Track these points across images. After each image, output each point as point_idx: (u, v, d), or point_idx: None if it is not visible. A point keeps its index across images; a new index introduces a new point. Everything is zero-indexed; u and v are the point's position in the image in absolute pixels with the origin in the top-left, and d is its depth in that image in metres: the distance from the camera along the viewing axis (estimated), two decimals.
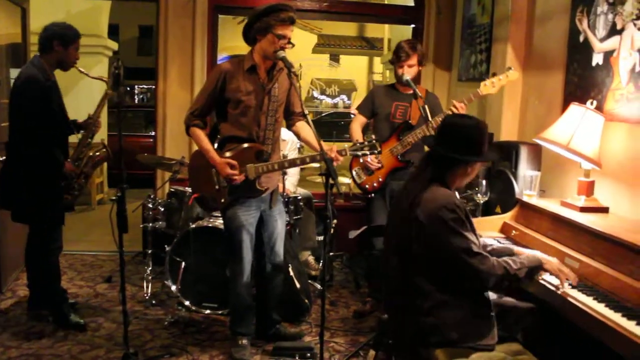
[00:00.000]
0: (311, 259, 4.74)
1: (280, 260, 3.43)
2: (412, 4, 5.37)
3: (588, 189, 2.98)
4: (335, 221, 4.51)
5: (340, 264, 5.04)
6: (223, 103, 3.17)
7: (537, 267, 2.31)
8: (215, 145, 3.24)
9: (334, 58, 21.96)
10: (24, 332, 3.51)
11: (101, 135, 7.50)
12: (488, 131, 2.38)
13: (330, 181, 2.64)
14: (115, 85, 2.83)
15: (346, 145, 3.10)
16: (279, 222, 3.36)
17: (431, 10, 5.14)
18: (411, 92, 3.84)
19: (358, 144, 2.99)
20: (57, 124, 3.48)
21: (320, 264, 4.44)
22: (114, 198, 2.82)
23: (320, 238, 4.82)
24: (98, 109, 3.64)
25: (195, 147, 4.96)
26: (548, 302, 2.42)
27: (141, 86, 17.38)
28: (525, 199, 3.22)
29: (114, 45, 7.70)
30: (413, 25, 5.29)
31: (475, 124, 2.33)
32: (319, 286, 4.30)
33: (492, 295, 2.37)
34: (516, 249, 2.65)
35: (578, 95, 3.30)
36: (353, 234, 3.20)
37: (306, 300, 3.86)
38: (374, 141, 2.98)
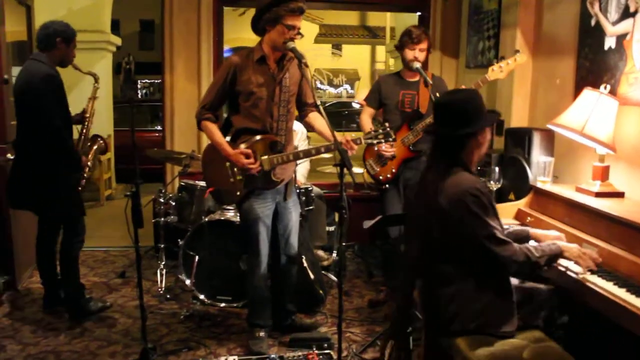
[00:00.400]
0: (320, 251, 4.75)
1: (294, 252, 3.44)
2: None
3: (603, 174, 2.97)
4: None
5: (352, 254, 5.04)
6: (234, 96, 3.16)
7: (557, 255, 2.31)
8: (228, 138, 3.24)
9: (337, 48, 21.93)
10: (42, 329, 3.53)
11: (107, 130, 7.56)
12: (501, 118, 2.39)
13: (345, 171, 2.64)
14: (126, 80, 2.83)
15: (353, 134, 3.11)
16: (294, 214, 3.36)
17: None
18: (417, 79, 3.83)
19: (372, 132, 2.99)
20: (68, 118, 3.58)
21: (334, 254, 4.44)
22: (128, 193, 2.82)
23: (332, 228, 4.84)
24: (90, 102, 3.78)
25: (204, 140, 5.06)
26: (566, 288, 2.42)
27: (144, 81, 17.35)
28: (539, 185, 3.21)
29: (118, 41, 7.67)
30: (419, 13, 5.25)
31: (466, 94, 2.34)
32: (332, 277, 4.31)
33: (514, 281, 2.38)
34: (532, 231, 2.65)
35: (590, 79, 3.28)
36: (367, 223, 3.19)
37: (321, 291, 3.87)
38: (388, 129, 2.98)
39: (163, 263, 4.24)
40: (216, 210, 4.22)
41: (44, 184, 3.45)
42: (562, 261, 2.42)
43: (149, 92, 18.08)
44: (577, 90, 3.43)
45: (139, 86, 18.39)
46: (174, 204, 4.28)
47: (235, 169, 3.17)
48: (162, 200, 4.25)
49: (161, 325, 3.62)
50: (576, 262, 2.36)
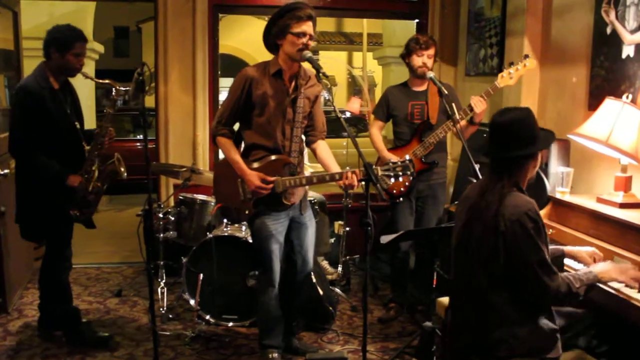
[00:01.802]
0: (325, 263, 4.62)
1: (310, 270, 3.32)
2: None
3: (626, 184, 2.93)
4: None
5: (354, 267, 4.93)
6: (248, 110, 3.03)
7: (595, 284, 2.26)
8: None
9: (313, 53, 21.85)
10: (39, 355, 3.33)
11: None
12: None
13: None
14: (137, 92, 2.68)
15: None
16: (310, 230, 3.24)
17: (435, 5, 5.04)
18: (425, 88, 3.76)
19: (391, 165, 2.80)
20: (57, 133, 3.23)
21: (339, 269, 4.33)
22: (140, 213, 2.67)
23: (332, 240, 4.72)
24: (107, 117, 3.40)
25: (200, 152, 4.90)
26: (608, 307, 2.35)
27: (119, 88, 17.10)
28: (558, 196, 3.16)
29: (100, 48, 7.43)
30: (417, 20, 5.20)
31: (520, 114, 2.28)
32: (338, 291, 4.20)
33: None
34: (566, 249, 2.59)
35: (606, 88, 3.24)
36: (386, 238, 3.08)
37: (330, 307, 3.74)
38: (407, 161, 2.79)
39: (163, 281, 4.06)
40: (218, 225, 4.07)
41: (18, 198, 3.32)
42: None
43: (124, 99, 17.71)
44: (591, 99, 3.40)
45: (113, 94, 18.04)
46: (172, 218, 4.11)
47: (247, 188, 3.04)
48: (160, 215, 4.08)
49: (167, 348, 3.45)
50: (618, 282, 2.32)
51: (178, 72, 4.79)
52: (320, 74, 2.87)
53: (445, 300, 2.82)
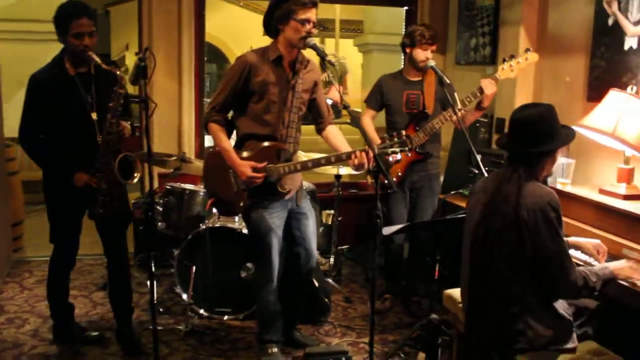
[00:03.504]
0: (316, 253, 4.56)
1: (314, 262, 3.25)
2: None
3: (629, 176, 2.94)
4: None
5: (343, 257, 4.88)
6: (245, 97, 2.93)
7: (611, 280, 2.26)
8: (232, 142, 3.03)
9: None
10: (27, 355, 3.18)
11: None
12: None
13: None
14: (137, 78, 2.54)
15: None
16: (310, 220, 3.16)
17: None
18: (421, 78, 3.70)
19: (387, 141, 2.67)
20: (67, 124, 2.96)
21: (331, 259, 4.28)
22: (136, 203, 2.54)
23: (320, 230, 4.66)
24: (113, 107, 2.93)
25: (185, 141, 4.76)
26: (624, 301, 2.36)
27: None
28: (559, 187, 3.15)
29: None
30: (406, 8, 5.14)
31: (543, 110, 2.26)
32: (331, 282, 4.15)
33: None
34: (571, 240, 2.59)
35: (606, 79, 3.25)
36: (389, 230, 3.03)
37: (326, 299, 3.69)
38: (404, 137, 2.66)
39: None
40: (208, 216, 3.96)
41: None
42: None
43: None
44: (591, 91, 3.40)
45: None
46: (161, 209, 3.98)
47: (239, 179, 2.94)
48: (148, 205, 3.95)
49: (160, 344, 3.33)
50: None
51: (163, 56, 4.61)
52: (326, 62, 2.78)
53: (452, 292, 2.79)
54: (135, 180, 3.10)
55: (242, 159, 2.90)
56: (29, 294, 4.05)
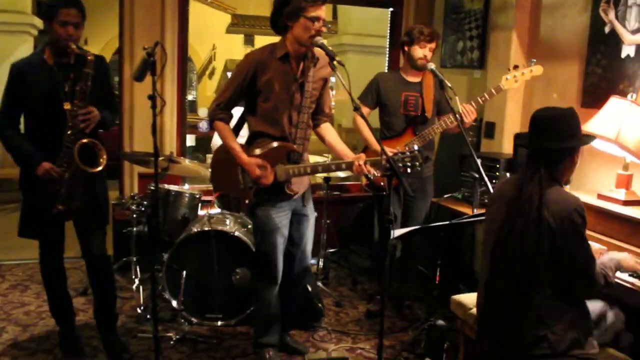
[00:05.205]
0: None
1: (308, 264, 3.19)
2: None
3: (628, 182, 2.99)
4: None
5: (328, 260, 4.81)
6: (253, 96, 2.85)
7: (618, 269, 2.29)
8: (242, 140, 2.96)
9: (249, 39, 21.41)
10: None
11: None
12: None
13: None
14: (142, 74, 2.43)
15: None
16: (311, 222, 3.10)
17: None
18: (420, 79, 3.67)
19: (399, 154, 2.59)
20: (37, 113, 2.88)
21: (321, 262, 4.22)
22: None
23: None
24: (79, 93, 2.81)
25: (167, 140, 4.61)
26: (625, 300, 2.40)
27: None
28: None
29: (40, 23, 6.83)
30: (392, 9, 5.11)
31: (565, 110, 2.24)
32: (322, 285, 4.09)
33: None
34: (605, 258, 2.58)
35: (602, 86, 3.30)
36: (399, 232, 2.99)
37: (319, 304, 3.62)
38: (415, 151, 2.59)
39: (138, 278, 3.78)
40: (193, 218, 3.84)
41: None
42: (621, 275, 2.41)
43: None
44: (586, 97, 3.45)
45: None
46: (143, 210, 3.82)
47: (247, 176, 2.87)
48: (133, 207, 3.79)
49: (150, 352, 3.19)
50: (635, 271, 2.39)
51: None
52: (335, 62, 2.71)
53: (461, 298, 2.77)
54: (99, 169, 2.89)
55: (253, 156, 2.84)
56: (4, 300, 3.84)
